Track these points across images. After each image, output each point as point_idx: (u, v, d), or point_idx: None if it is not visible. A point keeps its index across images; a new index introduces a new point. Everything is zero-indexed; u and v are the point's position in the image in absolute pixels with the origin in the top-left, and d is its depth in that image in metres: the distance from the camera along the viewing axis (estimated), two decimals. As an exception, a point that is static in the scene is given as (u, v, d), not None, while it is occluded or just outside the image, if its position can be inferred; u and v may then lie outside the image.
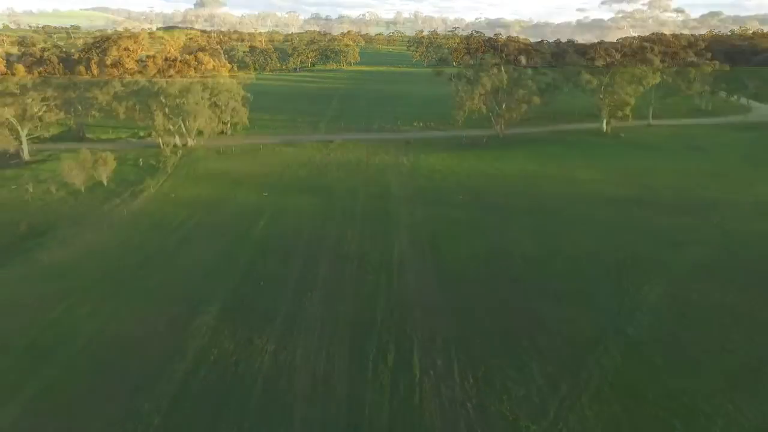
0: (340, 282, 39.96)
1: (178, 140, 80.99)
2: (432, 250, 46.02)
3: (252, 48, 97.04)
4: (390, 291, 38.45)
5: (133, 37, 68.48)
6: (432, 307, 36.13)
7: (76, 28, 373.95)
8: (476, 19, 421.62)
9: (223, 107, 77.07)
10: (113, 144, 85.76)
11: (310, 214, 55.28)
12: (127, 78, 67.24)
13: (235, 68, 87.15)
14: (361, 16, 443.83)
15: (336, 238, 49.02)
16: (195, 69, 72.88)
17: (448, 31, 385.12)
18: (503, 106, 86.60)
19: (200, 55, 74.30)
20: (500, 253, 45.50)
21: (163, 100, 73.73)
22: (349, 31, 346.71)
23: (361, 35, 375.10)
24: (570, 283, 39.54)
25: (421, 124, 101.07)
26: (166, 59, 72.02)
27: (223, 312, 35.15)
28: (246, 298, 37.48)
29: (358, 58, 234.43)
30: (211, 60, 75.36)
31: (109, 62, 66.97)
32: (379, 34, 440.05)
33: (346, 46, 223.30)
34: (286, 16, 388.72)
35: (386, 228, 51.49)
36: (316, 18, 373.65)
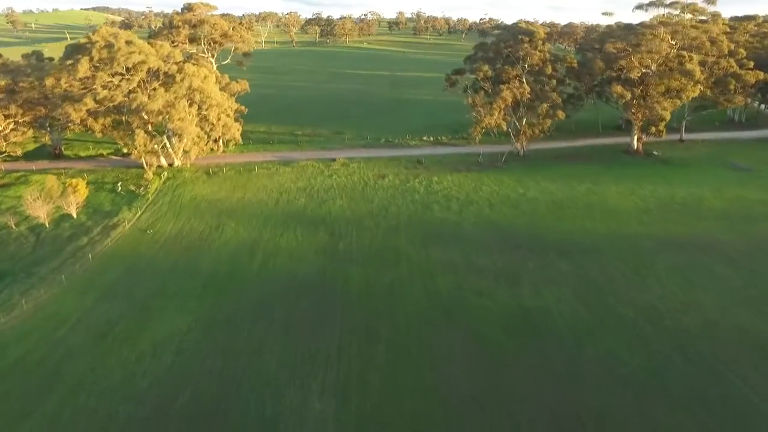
0: (346, 368, 31.66)
1: (163, 160, 72.72)
2: (457, 320, 37.69)
3: (247, 54, 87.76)
4: (408, 384, 30.17)
5: (108, 46, 59.91)
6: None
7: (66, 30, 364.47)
8: (480, 19, 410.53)
9: (212, 123, 68.72)
10: (93, 162, 77.50)
11: (308, 260, 46.92)
12: (102, 93, 58.90)
13: (227, 78, 78.34)
14: (363, 16, 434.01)
15: (340, 297, 40.70)
16: (181, 81, 64.45)
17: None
18: (523, 121, 78.06)
19: (187, 66, 65.81)
20: (539, 320, 37.15)
21: (145, 117, 65.41)
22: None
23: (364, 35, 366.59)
24: (638, 372, 31.20)
25: (431, 139, 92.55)
26: (147, 71, 63.48)
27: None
28: (222, 402, 29.18)
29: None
30: (200, 70, 66.90)
31: (80, 75, 58.50)
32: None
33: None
34: (287, 16, 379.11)
35: (398, 279, 43.13)
36: (317, 18, 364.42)
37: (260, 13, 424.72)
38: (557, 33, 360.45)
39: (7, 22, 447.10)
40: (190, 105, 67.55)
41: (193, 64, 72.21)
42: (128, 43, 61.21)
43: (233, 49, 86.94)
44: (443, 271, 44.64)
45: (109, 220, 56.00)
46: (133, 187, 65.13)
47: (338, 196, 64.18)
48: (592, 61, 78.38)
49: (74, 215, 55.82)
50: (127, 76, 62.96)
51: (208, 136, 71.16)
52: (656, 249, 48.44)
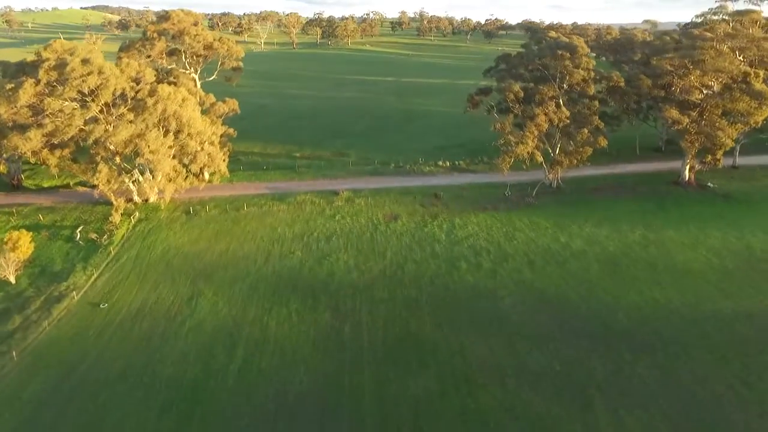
0: None
1: (136, 195, 61.46)
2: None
3: (237, 68, 76.42)
4: None
5: (59, 66, 48.55)
6: None
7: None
8: (486, 20, 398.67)
9: (192, 155, 57.44)
10: (56, 196, 66.15)
11: (305, 358, 35.55)
12: (50, 125, 47.77)
13: (212, 97, 66.97)
14: (365, 16, 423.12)
15: (347, 428, 29.42)
16: (153, 106, 53.13)
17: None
18: (557, 148, 66.65)
19: (162, 88, 54.42)
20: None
21: (111, 148, 54.16)
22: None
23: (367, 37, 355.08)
24: None
25: (447, 163, 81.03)
26: (112, 94, 52.16)
27: None
28: None
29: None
30: (177, 92, 55.55)
31: (21, 103, 47.27)
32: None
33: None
34: (287, 16, 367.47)
35: (426, 395, 31.77)
36: (318, 19, 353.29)
37: (261, 12, 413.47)
38: (566, 35, 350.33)
39: (3, 22, 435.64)
40: (165, 134, 56.25)
41: (171, 83, 60.93)
42: (85, 62, 49.90)
43: (220, 63, 75.52)
44: (485, 378, 33.34)
45: (56, 286, 44.66)
46: (94, 235, 53.78)
47: (342, 247, 52.82)
48: (639, 79, 66.86)
49: (12, 280, 44.54)
50: (87, 101, 51.64)
51: (188, 170, 59.82)
52: (761, 339, 37.08)
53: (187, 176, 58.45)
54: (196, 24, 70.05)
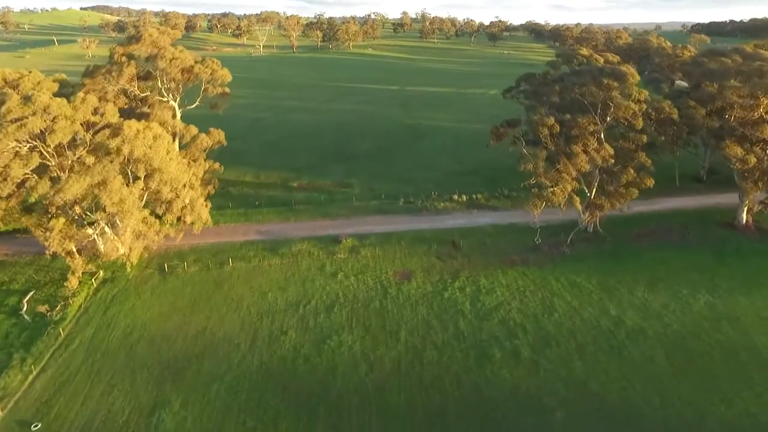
0: None
1: (101, 245, 51.81)
2: None
3: (224, 94, 66.64)
4: None
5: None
6: None
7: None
8: (491, 22, 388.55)
9: (166, 203, 47.93)
10: (10, 244, 56.57)
11: None
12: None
13: (194, 129, 57.50)
14: (366, 16, 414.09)
15: None
16: (117, 149, 43.59)
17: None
18: (593, 187, 57.05)
19: (128, 126, 44.76)
20: None
21: (66, 199, 44.60)
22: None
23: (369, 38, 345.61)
24: None
25: (463, 198, 71.31)
26: (69, 135, 42.58)
27: None
28: None
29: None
30: (148, 130, 45.96)
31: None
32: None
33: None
34: (287, 19, 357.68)
35: None
36: (318, 22, 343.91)
37: (261, 13, 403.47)
38: (574, 38, 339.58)
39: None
40: (134, 180, 46.72)
41: (143, 115, 51.39)
42: (26, 100, 40.35)
43: (202, 89, 65.77)
44: None
45: (-18, 392, 35.11)
46: (44, 307, 44.19)
47: (346, 322, 43.22)
48: (690, 107, 57.21)
49: (-74, 382, 35.03)
50: (34, 146, 42.10)
51: (161, 220, 50.30)
52: None
53: (160, 229, 48.78)
54: (174, 45, 60.26)
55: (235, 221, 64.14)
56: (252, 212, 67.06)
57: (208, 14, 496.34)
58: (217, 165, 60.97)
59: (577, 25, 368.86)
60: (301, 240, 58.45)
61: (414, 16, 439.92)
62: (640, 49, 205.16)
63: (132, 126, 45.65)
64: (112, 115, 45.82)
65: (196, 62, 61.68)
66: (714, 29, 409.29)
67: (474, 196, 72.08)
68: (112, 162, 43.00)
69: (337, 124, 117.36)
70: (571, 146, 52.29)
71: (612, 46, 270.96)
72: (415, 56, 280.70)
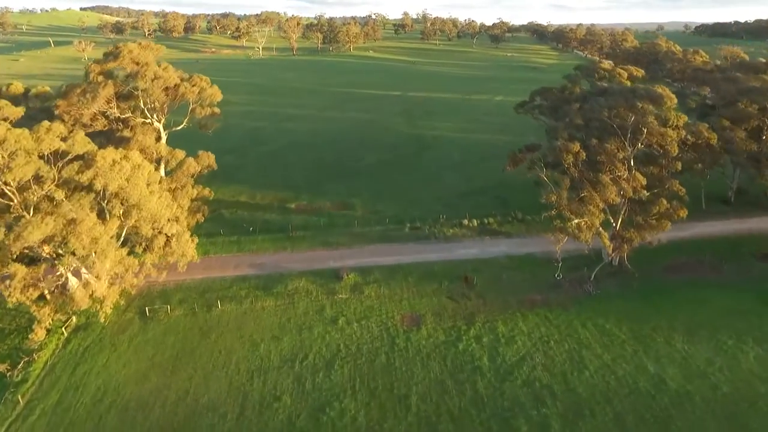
0: None
1: (72, 290, 46.32)
2: None
3: (214, 113, 61.18)
4: None
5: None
6: None
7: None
8: (493, 24, 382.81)
9: (146, 241, 42.67)
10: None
11: None
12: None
13: (181, 154, 52.14)
14: (367, 16, 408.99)
15: None
16: (89, 185, 38.34)
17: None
18: (620, 217, 51.61)
19: (102, 156, 39.42)
20: None
21: (26, 245, 39.17)
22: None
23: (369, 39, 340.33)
24: None
25: (474, 223, 65.92)
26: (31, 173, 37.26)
27: None
28: None
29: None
30: (126, 161, 40.64)
31: None
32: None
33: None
34: (287, 21, 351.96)
35: None
36: (319, 23, 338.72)
37: (261, 14, 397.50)
38: (577, 40, 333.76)
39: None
40: (110, 217, 41.35)
41: (123, 139, 46.03)
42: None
43: (190, 110, 60.32)
44: None
45: None
46: (4, 367, 38.83)
47: (348, 383, 37.89)
48: (730, 130, 51.84)
49: None
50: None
51: (141, 258, 44.91)
52: None
53: (140, 270, 43.43)
54: (157, 62, 54.68)
55: (227, 251, 58.83)
56: (245, 240, 61.65)
57: (208, 15, 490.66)
58: (207, 191, 55.71)
59: (580, 25, 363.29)
60: (299, 275, 53.08)
61: (415, 17, 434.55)
62: (648, 53, 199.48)
63: (106, 156, 40.30)
64: (82, 145, 40.44)
65: (182, 80, 56.16)
66: (718, 30, 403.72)
67: (485, 221, 66.63)
68: (81, 200, 37.63)
69: (337, 134, 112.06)
70: (598, 175, 46.88)
71: (618, 49, 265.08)
72: (416, 59, 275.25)
